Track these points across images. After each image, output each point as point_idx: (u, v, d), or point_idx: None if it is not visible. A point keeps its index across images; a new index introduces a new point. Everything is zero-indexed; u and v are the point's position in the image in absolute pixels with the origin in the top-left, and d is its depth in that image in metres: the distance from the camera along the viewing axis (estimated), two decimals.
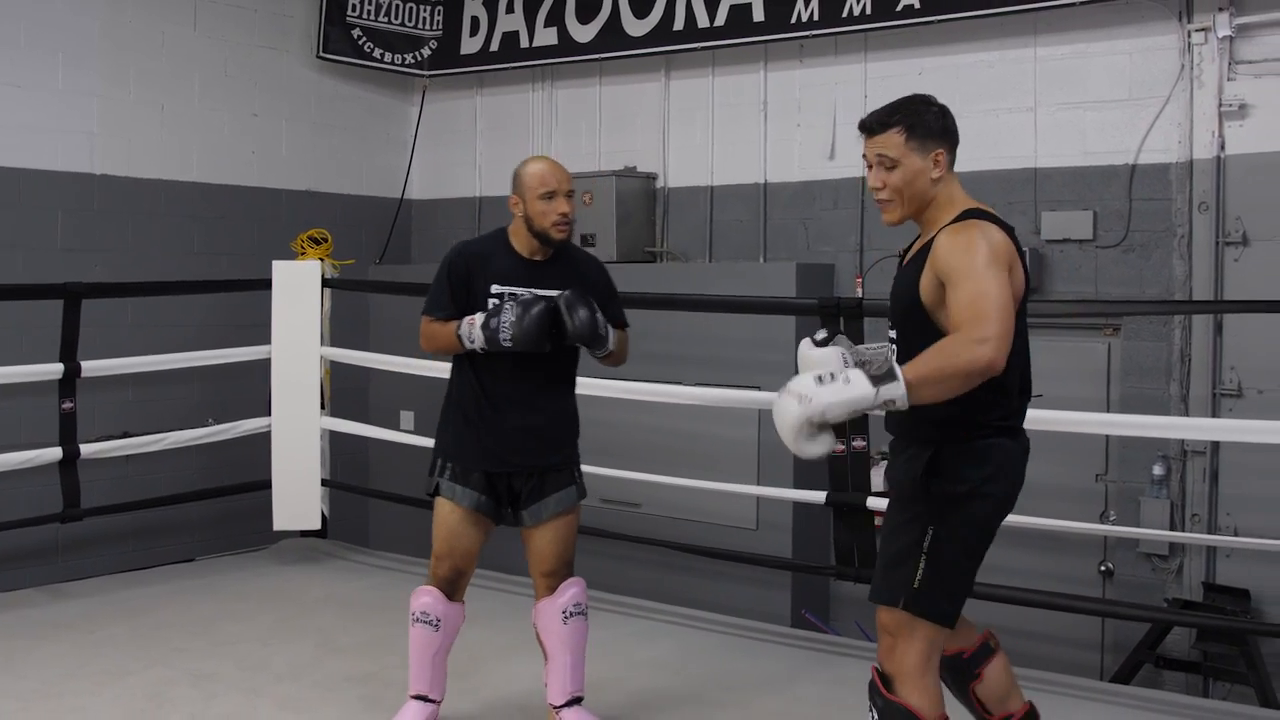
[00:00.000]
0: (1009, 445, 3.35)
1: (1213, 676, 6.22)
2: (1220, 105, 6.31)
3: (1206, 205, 6.34)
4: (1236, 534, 6.21)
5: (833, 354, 3.19)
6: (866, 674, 5.29)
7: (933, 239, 3.33)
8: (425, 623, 4.42)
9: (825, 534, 6.41)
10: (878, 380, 3.03)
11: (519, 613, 5.96)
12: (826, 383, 3.05)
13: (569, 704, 4.45)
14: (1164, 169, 6.52)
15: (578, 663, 4.47)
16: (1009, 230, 3.34)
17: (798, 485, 6.83)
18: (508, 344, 4.18)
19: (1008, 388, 3.30)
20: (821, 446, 3.09)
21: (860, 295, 7.18)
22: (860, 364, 3.08)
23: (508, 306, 4.20)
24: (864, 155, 3.46)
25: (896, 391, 3.03)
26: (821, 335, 3.32)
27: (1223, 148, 6.33)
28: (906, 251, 3.53)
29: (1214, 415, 6.32)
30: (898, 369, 3.05)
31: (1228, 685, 6.15)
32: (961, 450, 3.30)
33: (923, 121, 3.37)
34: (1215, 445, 6.35)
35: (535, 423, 4.39)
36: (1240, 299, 6.26)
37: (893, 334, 3.48)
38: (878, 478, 6.99)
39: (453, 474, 4.39)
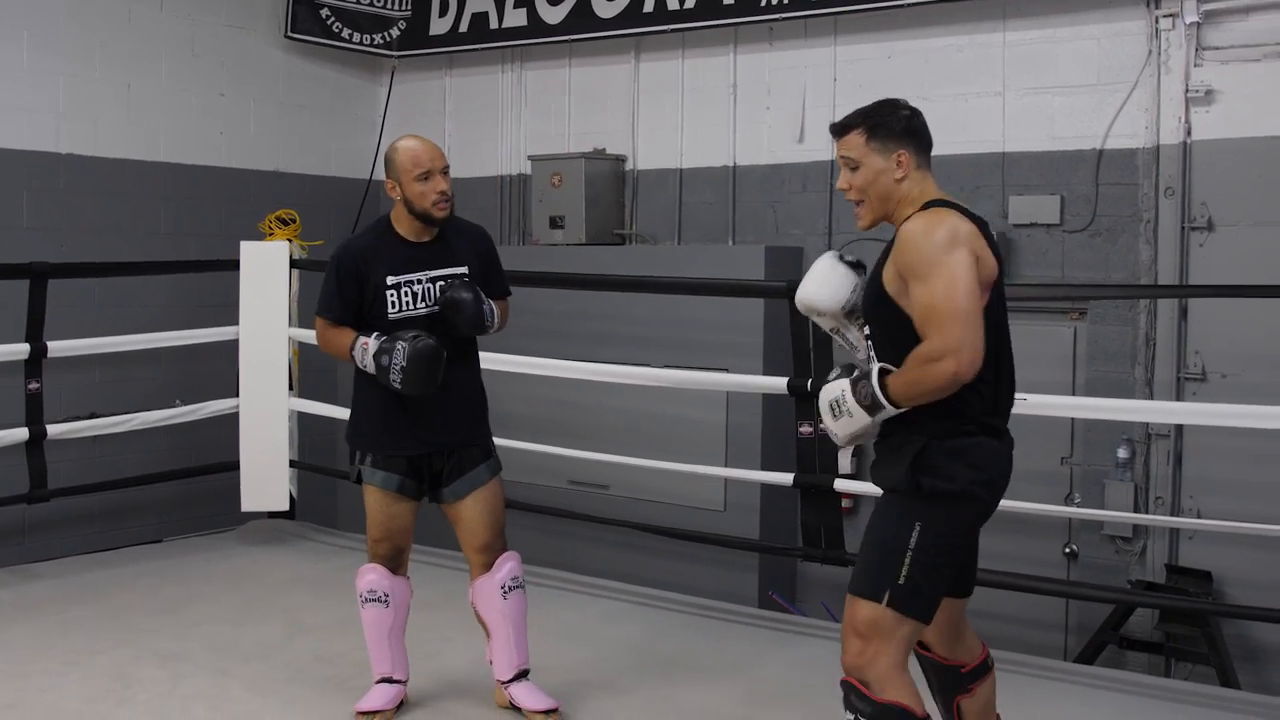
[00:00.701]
0: (995, 446, 3.36)
1: (1175, 657, 6.28)
2: (1187, 91, 6.35)
3: (1172, 190, 6.39)
4: (1199, 516, 6.27)
5: (837, 384, 3.39)
6: (833, 654, 5.33)
7: (897, 233, 3.36)
8: (375, 600, 4.42)
9: (793, 516, 6.45)
10: (870, 410, 3.29)
11: None
12: (839, 416, 3.36)
13: (516, 678, 4.51)
14: (1131, 154, 6.56)
15: (520, 637, 4.51)
16: (977, 219, 3.35)
17: (765, 467, 6.86)
18: (397, 387, 4.20)
19: (984, 391, 3.32)
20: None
21: None
22: (855, 391, 3.31)
23: (399, 348, 4.18)
24: (836, 158, 3.52)
25: (889, 413, 3.27)
26: (835, 374, 3.46)
27: (1189, 133, 6.38)
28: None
29: (1178, 399, 6.38)
30: (881, 395, 3.25)
31: (1190, 665, 6.22)
32: (949, 447, 3.29)
33: (884, 123, 3.39)
34: (1179, 429, 6.41)
35: (449, 401, 4.39)
36: (1205, 284, 6.31)
37: (867, 329, 3.50)
38: (845, 460, 7.05)
39: (374, 460, 4.40)
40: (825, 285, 3.53)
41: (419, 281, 4.35)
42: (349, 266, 4.36)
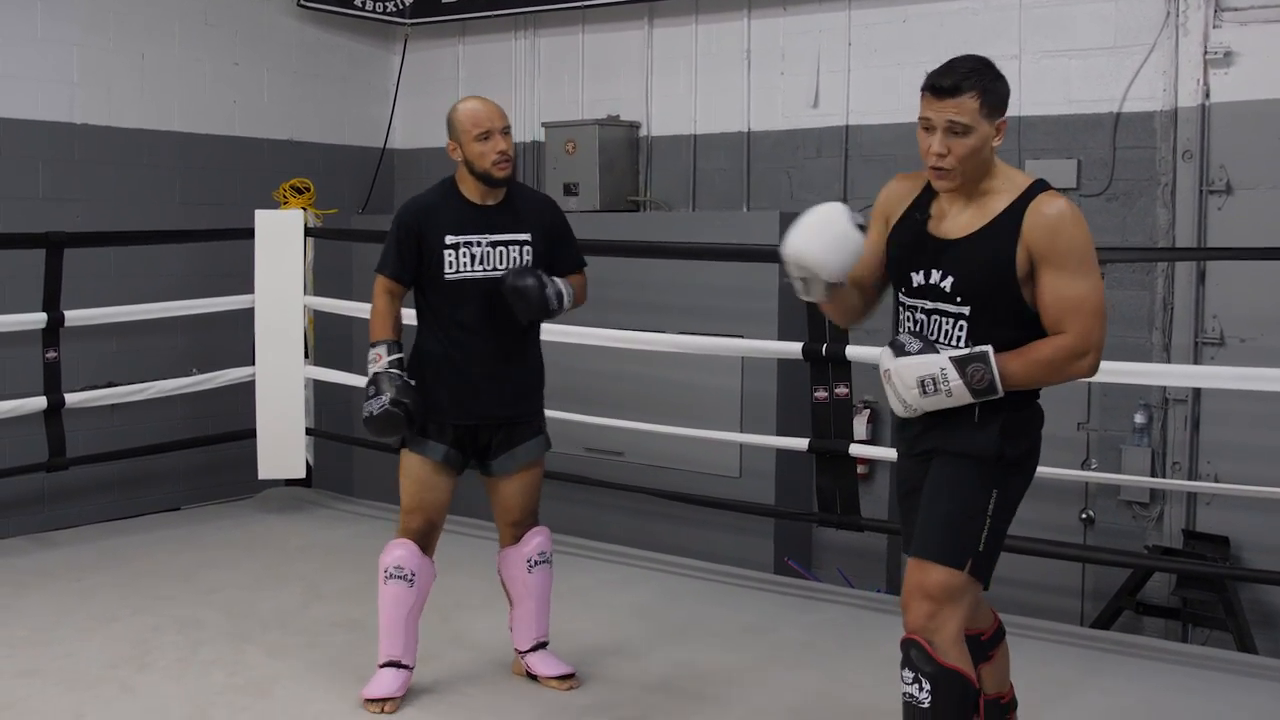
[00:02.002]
0: (1040, 411, 3.40)
1: (1192, 622, 6.28)
2: (1205, 53, 6.30)
3: (1190, 153, 6.34)
4: (1217, 481, 6.25)
5: (932, 360, 3.25)
6: (848, 618, 5.39)
7: (1010, 208, 3.22)
8: (400, 578, 4.32)
9: (808, 481, 6.44)
10: (979, 393, 3.20)
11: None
12: (931, 393, 3.23)
13: (535, 648, 4.53)
14: (1148, 117, 6.51)
15: (543, 609, 4.51)
16: None
17: (780, 432, 6.85)
18: (365, 425, 4.23)
19: None
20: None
21: None
22: (961, 371, 3.19)
23: (383, 397, 4.15)
24: (925, 117, 3.25)
25: (994, 396, 3.21)
26: (917, 346, 3.29)
27: (1207, 96, 6.33)
28: (923, 211, 3.38)
29: (1196, 363, 6.35)
30: (998, 380, 3.18)
31: (1207, 631, 6.21)
32: (1025, 417, 3.31)
33: (995, 89, 3.25)
34: (1197, 393, 6.38)
35: (504, 374, 4.35)
36: (1223, 247, 6.28)
37: (926, 305, 3.34)
38: (860, 425, 7.04)
39: (422, 428, 4.31)
40: (835, 251, 3.31)
41: (478, 244, 4.29)
42: (409, 224, 4.32)
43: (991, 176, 3.29)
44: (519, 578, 4.47)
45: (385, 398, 4.16)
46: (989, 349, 3.18)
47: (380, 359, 4.25)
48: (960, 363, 3.19)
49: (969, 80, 3.21)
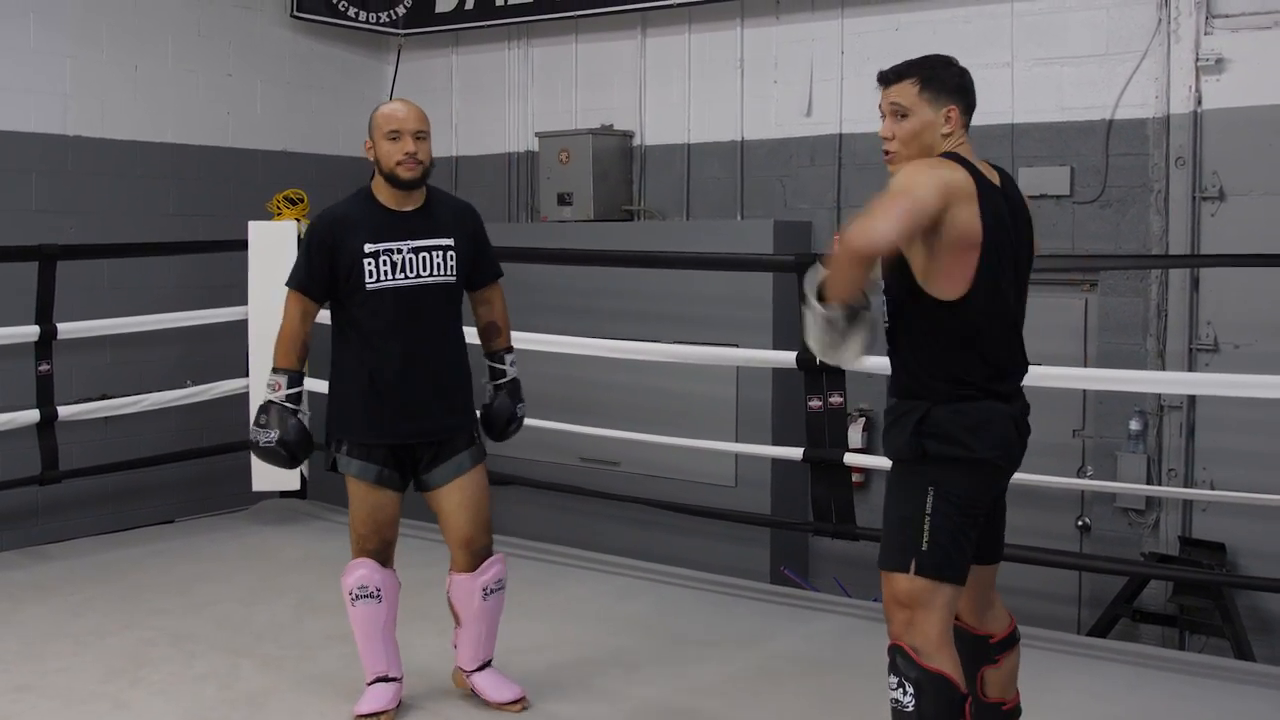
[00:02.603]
0: (999, 408, 3.32)
1: (1189, 629, 6.27)
2: (1197, 60, 6.30)
3: (1183, 160, 6.34)
4: (1213, 488, 6.25)
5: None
6: (845, 628, 5.37)
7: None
8: (366, 597, 4.26)
9: (804, 490, 6.43)
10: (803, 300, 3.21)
11: None
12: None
13: (480, 668, 4.43)
14: (1141, 124, 6.52)
15: (492, 634, 4.42)
16: (978, 174, 3.27)
17: (776, 442, 6.85)
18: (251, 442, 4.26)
19: (985, 354, 3.30)
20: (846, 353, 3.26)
21: None
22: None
23: (273, 432, 4.17)
24: (879, 107, 3.44)
25: (813, 286, 3.18)
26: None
27: (1199, 102, 6.33)
28: None
29: (1190, 370, 6.35)
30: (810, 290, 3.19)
31: (1203, 638, 6.21)
32: (951, 410, 3.28)
33: (938, 76, 3.34)
34: (1192, 400, 6.38)
35: (431, 386, 4.22)
36: (1217, 253, 6.28)
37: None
38: (855, 434, 7.04)
39: (350, 448, 4.21)
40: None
41: (399, 251, 4.15)
42: (321, 235, 4.18)
43: None
44: (472, 605, 4.33)
45: (273, 434, 4.15)
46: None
47: (279, 388, 4.19)
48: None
49: (910, 68, 3.38)
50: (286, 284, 4.27)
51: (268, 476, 7.15)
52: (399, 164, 4.13)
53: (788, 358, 5.75)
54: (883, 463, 6.87)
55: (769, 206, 7.81)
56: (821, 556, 7.50)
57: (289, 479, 7.18)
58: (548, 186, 8.21)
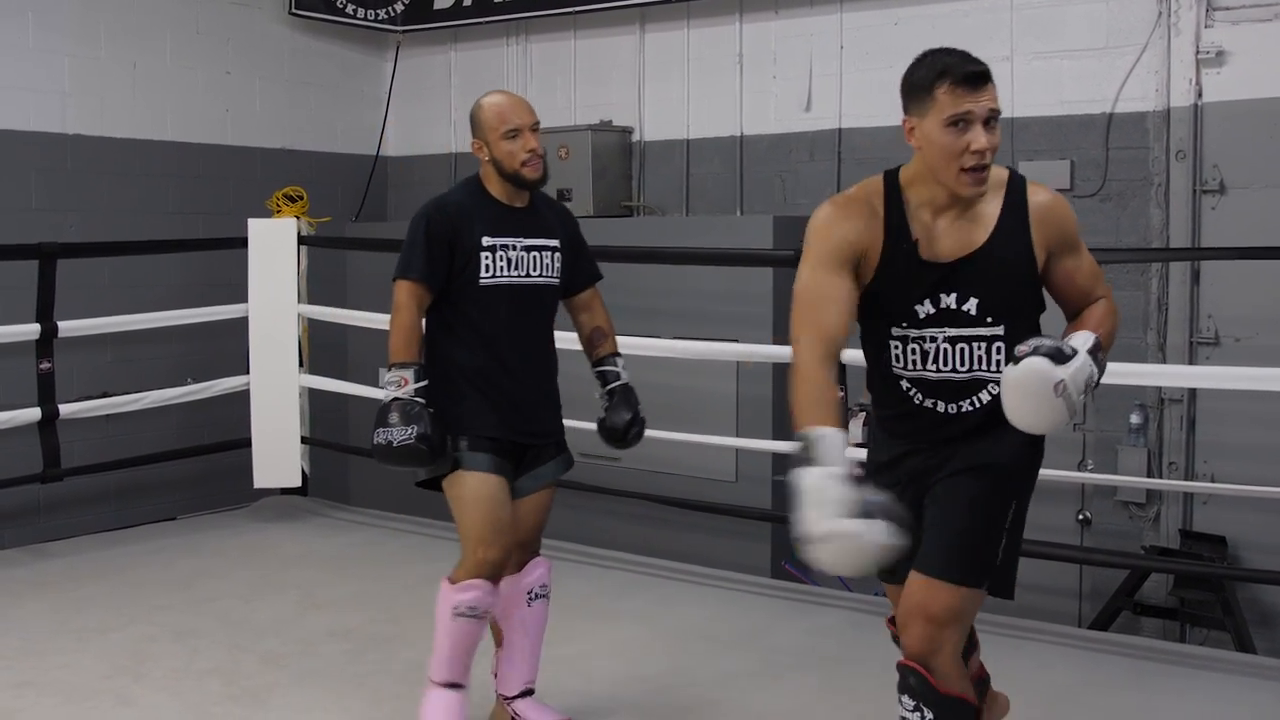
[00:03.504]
0: None
1: (1189, 622, 6.27)
2: (1198, 53, 6.30)
3: (1184, 153, 6.34)
4: (1213, 481, 6.25)
5: (1084, 364, 2.93)
6: (846, 622, 5.38)
7: (1007, 206, 3.05)
8: (472, 616, 3.91)
9: None
10: (1094, 353, 2.96)
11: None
12: (1086, 392, 2.93)
13: (522, 694, 4.15)
14: (1141, 117, 6.51)
15: (536, 650, 4.16)
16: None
17: (776, 437, 6.85)
18: (373, 444, 3.83)
19: None
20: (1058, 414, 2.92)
21: None
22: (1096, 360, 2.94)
23: (410, 429, 3.77)
24: (962, 112, 2.95)
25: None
26: (1070, 348, 2.95)
27: (1200, 95, 6.33)
28: (907, 239, 3.06)
29: (1191, 363, 6.35)
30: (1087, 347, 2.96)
31: (1204, 631, 6.21)
32: None
33: None
34: (1192, 393, 6.38)
35: (538, 386, 4.12)
36: (1217, 246, 6.28)
37: (946, 332, 3.07)
38: (855, 428, 7.02)
39: (472, 444, 3.93)
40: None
41: (514, 247, 3.99)
42: (440, 223, 3.95)
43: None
44: (515, 614, 4.10)
45: (410, 431, 3.76)
46: (1096, 337, 2.97)
47: (405, 383, 3.84)
48: (1093, 353, 2.95)
49: (987, 68, 3.02)
50: (398, 276, 3.95)
51: (269, 473, 7.17)
52: (524, 164, 3.95)
53: (788, 352, 5.73)
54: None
55: (768, 202, 7.81)
56: None
57: (290, 475, 7.20)
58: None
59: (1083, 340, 2.96)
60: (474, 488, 3.91)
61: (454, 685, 3.99)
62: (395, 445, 3.78)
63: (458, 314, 4.00)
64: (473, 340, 3.99)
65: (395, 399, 3.83)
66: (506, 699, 4.17)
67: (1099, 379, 2.93)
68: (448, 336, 4.02)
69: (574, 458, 4.30)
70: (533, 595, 4.11)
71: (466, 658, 3.99)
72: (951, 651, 3.04)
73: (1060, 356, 2.86)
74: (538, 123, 4.01)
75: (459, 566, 3.93)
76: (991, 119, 2.95)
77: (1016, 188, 3.07)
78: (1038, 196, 3.06)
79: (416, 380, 3.86)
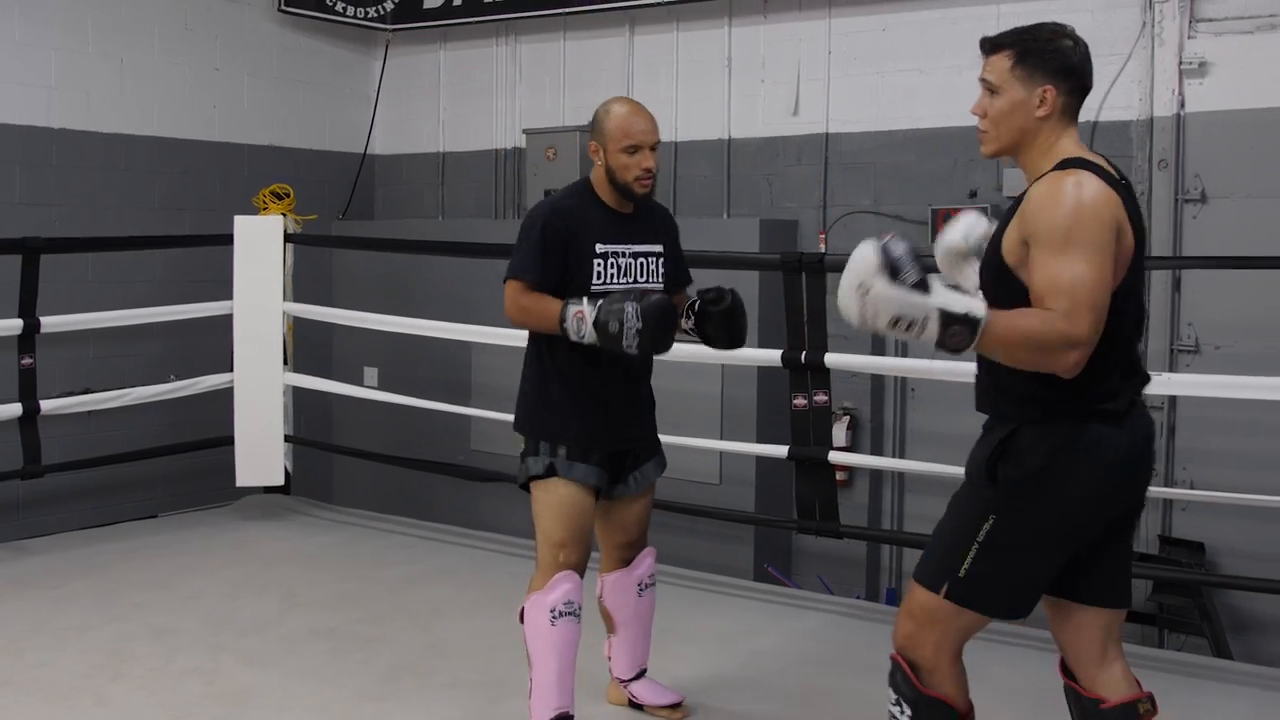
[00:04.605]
0: (1105, 433, 2.91)
1: (1168, 628, 6.31)
2: (1181, 63, 6.35)
3: (1166, 163, 6.38)
4: (1192, 488, 6.28)
5: (922, 304, 2.74)
6: (828, 625, 5.39)
7: (1026, 190, 2.94)
8: (570, 614, 3.87)
9: (787, 488, 6.45)
10: (950, 351, 2.81)
11: (482, 568, 6.04)
12: (899, 330, 2.76)
13: (637, 676, 4.33)
14: (1125, 126, 6.55)
15: (647, 635, 4.32)
16: (1118, 183, 2.92)
17: (760, 440, 6.87)
18: (631, 351, 3.71)
19: (1107, 364, 2.89)
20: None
21: (823, 251, 7.19)
22: (944, 328, 2.74)
23: (629, 306, 3.68)
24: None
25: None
26: (913, 277, 2.74)
27: (1183, 105, 6.37)
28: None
29: (1171, 370, 6.38)
30: (973, 347, 2.80)
31: (1183, 636, 6.24)
32: (1041, 433, 2.92)
33: (1039, 50, 2.98)
34: (1172, 400, 6.41)
35: (637, 393, 4.12)
36: (1198, 255, 6.32)
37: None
38: (839, 432, 7.06)
39: (570, 451, 3.92)
40: (955, 225, 3.23)
41: (623, 254, 3.97)
42: (556, 228, 3.89)
43: (1039, 152, 3.01)
44: (628, 603, 4.22)
45: (633, 303, 3.69)
46: (986, 317, 2.75)
47: (582, 311, 3.74)
48: (947, 320, 2.74)
49: (1008, 36, 3.04)
50: (512, 276, 3.89)
51: (251, 472, 7.16)
52: (637, 179, 3.91)
53: (773, 356, 5.77)
54: (867, 461, 6.93)
55: (755, 205, 7.83)
56: (805, 554, 7.53)
57: (273, 474, 7.18)
58: (535, 183, 8.21)
59: (959, 300, 2.77)
60: (564, 496, 3.91)
61: (566, 716, 3.93)
62: (647, 314, 3.69)
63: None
64: (577, 347, 3.89)
65: (599, 317, 3.72)
66: (623, 681, 4.33)
67: (931, 337, 2.75)
68: (552, 343, 3.96)
69: (666, 460, 4.29)
70: (643, 586, 4.25)
71: (571, 674, 3.93)
72: (934, 650, 3.03)
73: (896, 271, 2.72)
74: (658, 142, 3.99)
75: (537, 574, 3.93)
76: (987, 87, 3.06)
77: (1047, 173, 2.94)
78: (1041, 182, 2.91)
79: (579, 303, 3.77)
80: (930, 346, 2.80)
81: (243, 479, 7.17)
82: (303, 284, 7.52)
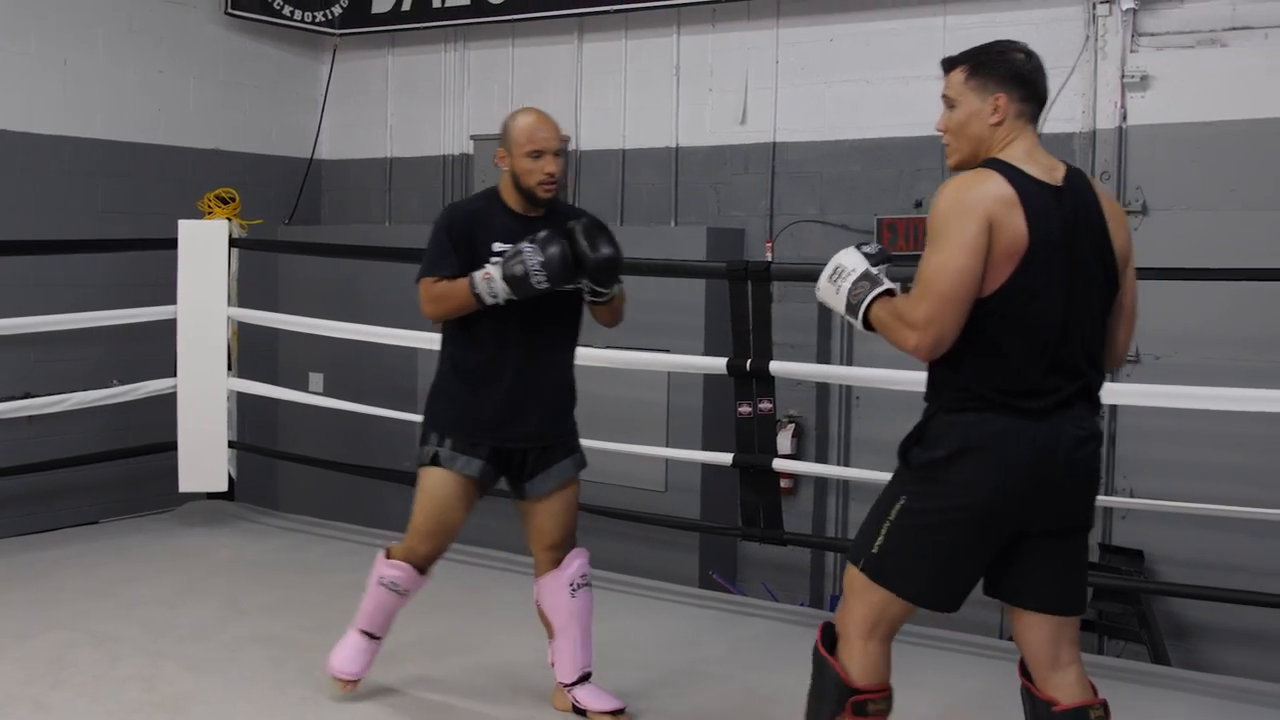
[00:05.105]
0: (1015, 426, 3.04)
1: (1108, 634, 6.37)
2: (1123, 76, 6.43)
3: (1108, 174, 6.46)
4: (1132, 496, 6.36)
5: (856, 259, 3.27)
6: (772, 633, 5.42)
7: None
8: (392, 590, 4.34)
9: (732, 496, 6.47)
10: (848, 309, 3.21)
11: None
12: (834, 281, 3.24)
13: (580, 680, 4.38)
14: (1068, 138, 6.63)
15: (587, 637, 4.38)
16: (1039, 185, 3.08)
17: (706, 447, 6.89)
18: (542, 285, 3.93)
19: (1021, 361, 3.04)
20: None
21: (769, 259, 7.23)
22: (856, 282, 3.20)
23: (526, 248, 3.94)
24: None
25: (858, 323, 3.20)
26: (871, 248, 3.31)
27: (1125, 118, 6.46)
28: None
29: (1112, 380, 6.44)
30: (863, 310, 3.16)
31: (1122, 643, 6.31)
32: (952, 420, 3.10)
33: (988, 62, 3.18)
34: (1113, 409, 6.48)
35: (544, 391, 4.23)
36: (1139, 266, 6.37)
37: None
38: (784, 440, 7.09)
39: (455, 444, 4.16)
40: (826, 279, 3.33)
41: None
42: (460, 225, 4.15)
43: (995, 154, 3.18)
44: (561, 605, 4.32)
45: (530, 244, 3.96)
46: (890, 286, 3.16)
47: (489, 272, 4.00)
48: (863, 276, 3.20)
49: (962, 55, 3.25)
50: (424, 274, 4.13)
51: (194, 478, 7.10)
52: (540, 184, 4.12)
53: (718, 364, 5.79)
54: (811, 468, 6.96)
55: (703, 213, 7.85)
56: (750, 561, 7.55)
57: (216, 480, 7.13)
58: (483, 189, 8.19)
59: (874, 265, 3.23)
60: (438, 485, 4.19)
61: (368, 635, 4.44)
62: (545, 244, 3.97)
63: (467, 318, 4.13)
64: (480, 344, 4.16)
65: (505, 270, 3.97)
66: (566, 686, 4.40)
67: (846, 287, 3.21)
68: (455, 339, 4.22)
69: (586, 460, 4.42)
70: (575, 586, 4.33)
71: (384, 619, 4.43)
72: (851, 624, 3.21)
73: (838, 275, 3.25)
74: (562, 148, 4.19)
75: (400, 545, 4.34)
76: (946, 102, 3.27)
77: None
78: (943, 185, 3.12)
79: (490, 265, 4.02)
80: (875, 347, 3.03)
81: (186, 485, 7.11)
82: (247, 289, 7.47)
